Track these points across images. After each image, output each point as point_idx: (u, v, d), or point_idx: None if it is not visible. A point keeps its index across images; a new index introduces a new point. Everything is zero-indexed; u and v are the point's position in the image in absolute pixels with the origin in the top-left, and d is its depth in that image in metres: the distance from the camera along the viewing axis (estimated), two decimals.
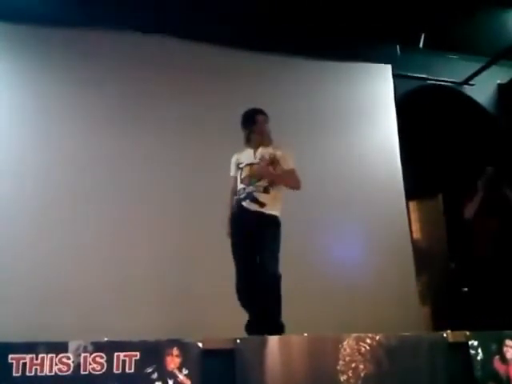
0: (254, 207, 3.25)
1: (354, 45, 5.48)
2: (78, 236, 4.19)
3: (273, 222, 3.28)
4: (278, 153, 3.38)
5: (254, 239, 3.20)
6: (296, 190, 3.35)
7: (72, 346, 2.39)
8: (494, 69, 5.94)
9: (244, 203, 3.28)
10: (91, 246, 4.19)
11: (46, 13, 4.49)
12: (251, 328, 3.12)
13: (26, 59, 4.54)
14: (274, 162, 3.34)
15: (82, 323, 3.71)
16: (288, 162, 3.36)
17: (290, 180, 3.33)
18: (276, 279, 3.14)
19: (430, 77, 5.88)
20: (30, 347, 2.35)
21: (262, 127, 3.48)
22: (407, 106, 5.64)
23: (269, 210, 3.27)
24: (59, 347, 2.38)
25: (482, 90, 6.05)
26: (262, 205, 3.25)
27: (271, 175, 3.30)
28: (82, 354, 2.38)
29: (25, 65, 4.53)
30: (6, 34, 4.50)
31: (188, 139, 4.69)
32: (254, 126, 3.48)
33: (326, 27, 5.19)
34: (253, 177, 3.30)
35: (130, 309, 4.01)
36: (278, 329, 3.07)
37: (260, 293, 3.10)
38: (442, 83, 5.97)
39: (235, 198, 3.37)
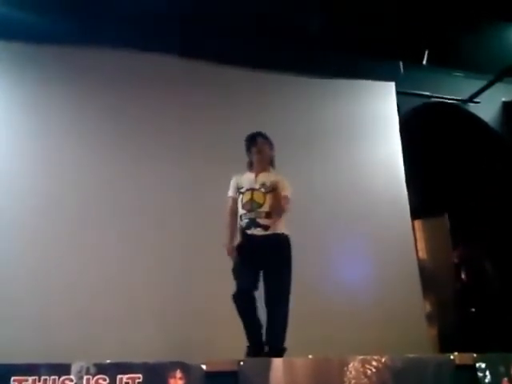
0: (259, 232, 3.26)
1: (357, 62, 5.50)
2: (78, 257, 4.20)
3: (282, 242, 3.30)
4: (278, 179, 3.39)
5: (265, 264, 3.21)
6: (277, 215, 3.31)
7: (74, 367, 2.37)
8: (498, 86, 5.96)
9: (248, 231, 3.28)
10: (91, 267, 4.19)
11: (44, 30, 4.54)
12: (252, 352, 3.09)
13: (23, 76, 4.58)
14: (274, 188, 3.35)
15: (83, 344, 3.69)
16: (284, 189, 3.36)
17: (278, 206, 3.31)
18: (286, 311, 3.15)
19: (434, 94, 5.91)
20: (33, 369, 2.33)
21: (261, 148, 3.49)
22: (411, 124, 5.64)
23: (274, 230, 3.28)
24: (62, 369, 2.36)
25: (487, 108, 6.06)
26: (266, 228, 3.27)
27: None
28: (85, 376, 2.36)
29: (22, 82, 4.57)
30: (4, 51, 4.55)
31: (187, 157, 4.70)
32: (253, 147, 3.50)
33: (328, 44, 5.23)
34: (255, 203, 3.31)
35: (131, 330, 3.99)
36: (280, 353, 3.05)
37: (270, 316, 3.10)
38: (447, 101, 5.98)
39: (238, 224, 3.37)
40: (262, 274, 3.24)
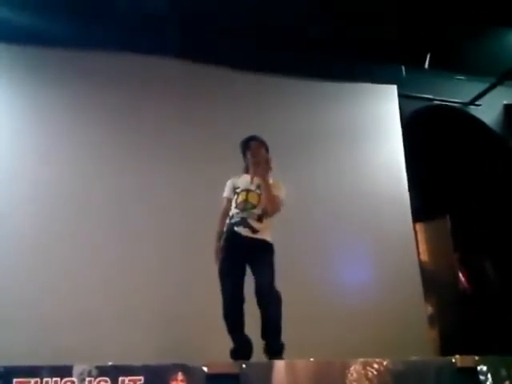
0: (246, 232, 3.24)
1: (359, 65, 5.51)
2: (78, 258, 4.20)
3: (266, 247, 3.27)
4: (273, 180, 3.38)
5: (247, 264, 3.21)
6: (270, 213, 3.30)
7: (76, 370, 2.37)
8: (500, 89, 5.97)
9: (236, 228, 3.26)
10: (92, 268, 4.19)
11: (44, 32, 4.54)
12: (237, 354, 3.09)
13: (23, 78, 4.59)
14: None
15: (83, 345, 3.69)
16: (276, 190, 3.35)
17: (273, 202, 3.29)
18: (278, 301, 3.14)
19: (435, 97, 5.91)
20: (35, 371, 2.33)
21: (255, 151, 3.45)
22: (413, 127, 5.64)
23: (261, 236, 3.26)
24: (64, 371, 2.36)
25: (489, 111, 6.07)
26: (255, 231, 3.24)
27: (266, 183, 3.29)
28: (87, 379, 2.36)
29: (23, 84, 4.59)
30: (3, 52, 4.55)
31: (187, 157, 4.70)
32: (247, 151, 3.48)
33: (330, 47, 5.23)
34: (248, 203, 3.30)
35: (131, 331, 3.99)
36: (279, 351, 3.05)
37: (263, 311, 3.09)
38: (448, 104, 5.98)
39: (227, 222, 3.35)
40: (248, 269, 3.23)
